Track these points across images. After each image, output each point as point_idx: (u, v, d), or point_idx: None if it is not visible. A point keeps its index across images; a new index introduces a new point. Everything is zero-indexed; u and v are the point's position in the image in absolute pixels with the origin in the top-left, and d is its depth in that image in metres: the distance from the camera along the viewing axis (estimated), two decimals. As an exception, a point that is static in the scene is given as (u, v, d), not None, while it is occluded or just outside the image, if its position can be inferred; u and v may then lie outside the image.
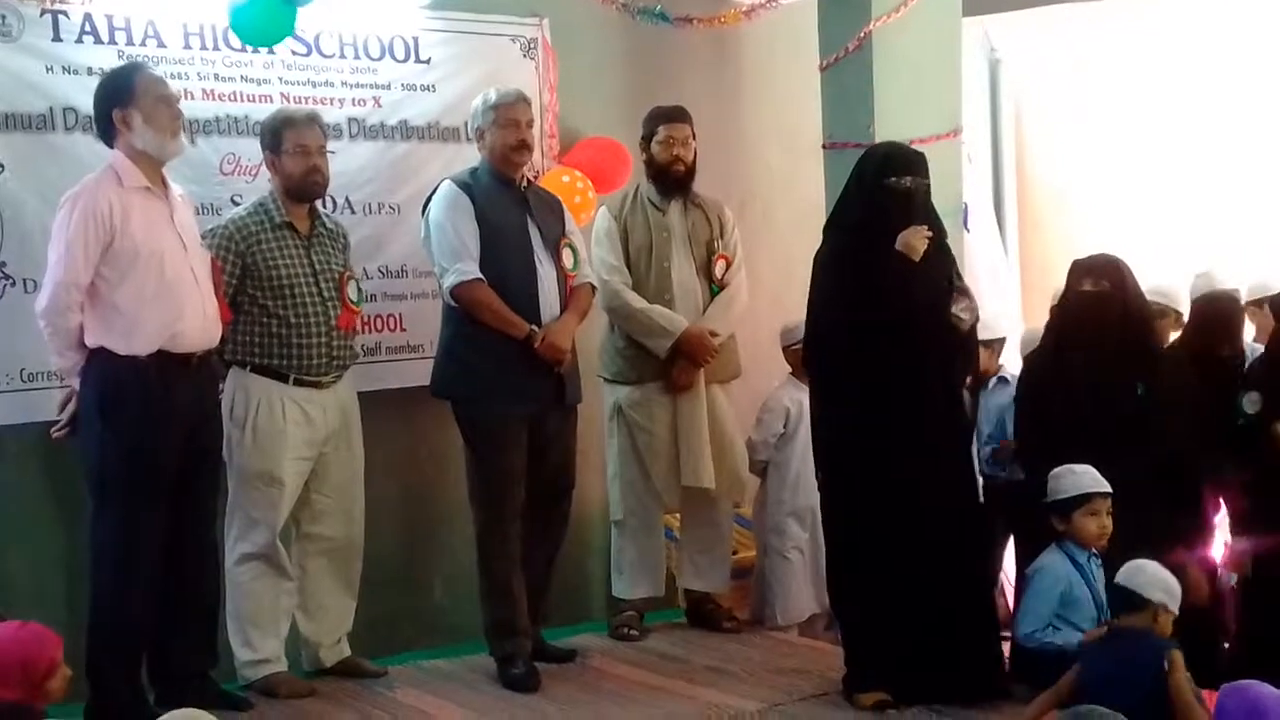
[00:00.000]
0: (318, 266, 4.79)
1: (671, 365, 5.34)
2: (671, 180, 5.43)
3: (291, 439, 4.71)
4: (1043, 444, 4.61)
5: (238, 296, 4.67)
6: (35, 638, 3.53)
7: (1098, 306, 4.64)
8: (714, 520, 5.57)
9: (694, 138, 5.47)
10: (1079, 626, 4.31)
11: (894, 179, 4.44)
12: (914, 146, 4.74)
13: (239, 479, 4.70)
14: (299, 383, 4.73)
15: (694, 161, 5.47)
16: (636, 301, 5.32)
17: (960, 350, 4.48)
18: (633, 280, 5.36)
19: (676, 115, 5.46)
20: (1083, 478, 4.35)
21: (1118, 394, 4.49)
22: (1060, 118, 7.53)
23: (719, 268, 5.47)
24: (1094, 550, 4.40)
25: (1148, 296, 5.29)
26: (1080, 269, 4.72)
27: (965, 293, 4.48)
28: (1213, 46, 6.90)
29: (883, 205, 4.44)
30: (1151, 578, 3.91)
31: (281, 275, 4.70)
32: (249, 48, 5.17)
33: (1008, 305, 7.00)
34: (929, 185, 4.50)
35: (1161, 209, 7.04)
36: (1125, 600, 3.95)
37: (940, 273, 4.47)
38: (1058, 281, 5.15)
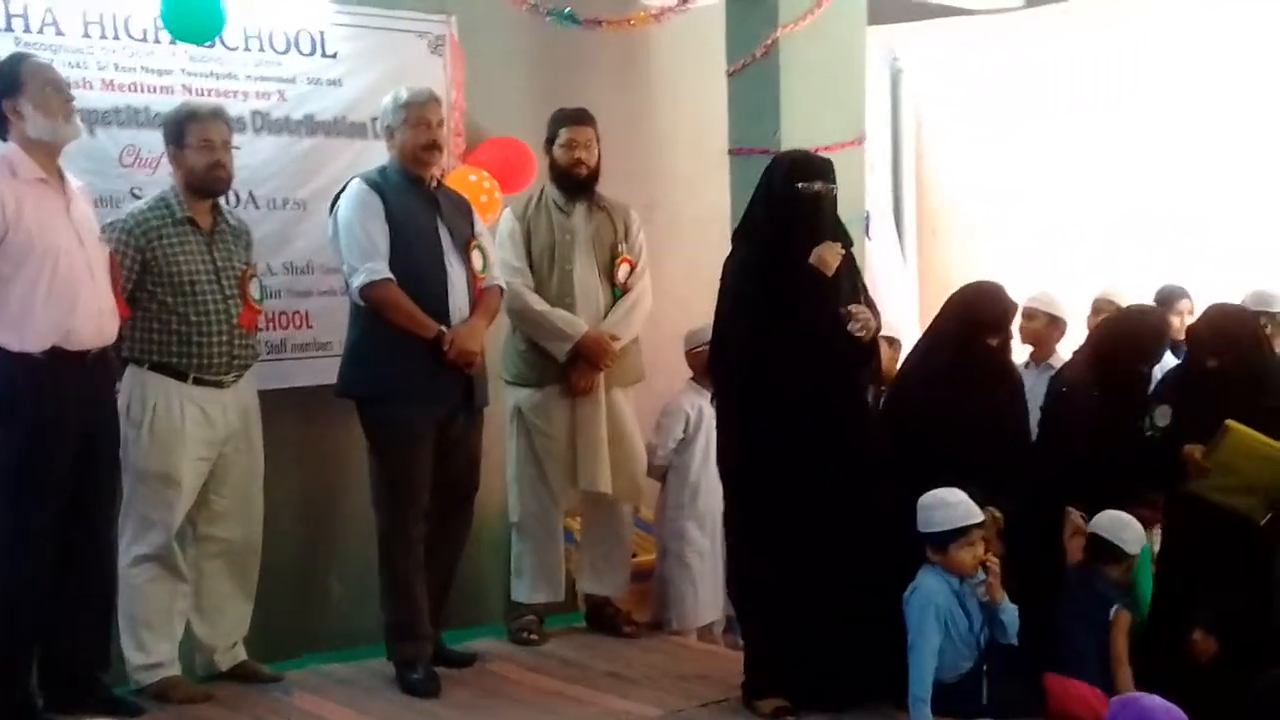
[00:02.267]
0: (219, 263, 4.71)
1: (571, 368, 5.33)
2: (574, 183, 5.41)
3: (190, 439, 4.63)
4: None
5: (136, 292, 4.58)
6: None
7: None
8: (613, 524, 5.57)
9: (597, 140, 5.45)
10: (958, 662, 4.36)
11: (803, 184, 4.46)
12: (819, 153, 4.78)
13: (135, 479, 4.60)
14: (199, 381, 4.64)
15: (598, 164, 5.45)
16: (537, 304, 5.30)
17: (864, 358, 4.51)
18: (535, 282, 5.34)
19: (579, 118, 5.44)
20: (958, 509, 4.29)
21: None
22: (959, 127, 7.65)
23: (622, 271, 5.46)
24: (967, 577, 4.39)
25: (1030, 304, 5.41)
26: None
27: (862, 309, 4.47)
28: (1110, 59, 7.06)
29: (792, 211, 4.46)
30: (1134, 534, 4.57)
31: (182, 272, 4.62)
32: (150, 38, 5.07)
33: (906, 310, 7.09)
34: (836, 191, 4.54)
35: (1056, 219, 7.19)
36: (1109, 552, 4.61)
37: (849, 286, 4.51)
38: (954, 287, 5.19)
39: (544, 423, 5.38)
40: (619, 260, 5.45)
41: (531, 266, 5.35)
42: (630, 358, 5.49)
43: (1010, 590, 4.35)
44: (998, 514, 4.47)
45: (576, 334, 5.27)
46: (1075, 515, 4.77)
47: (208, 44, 5.13)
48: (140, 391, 4.60)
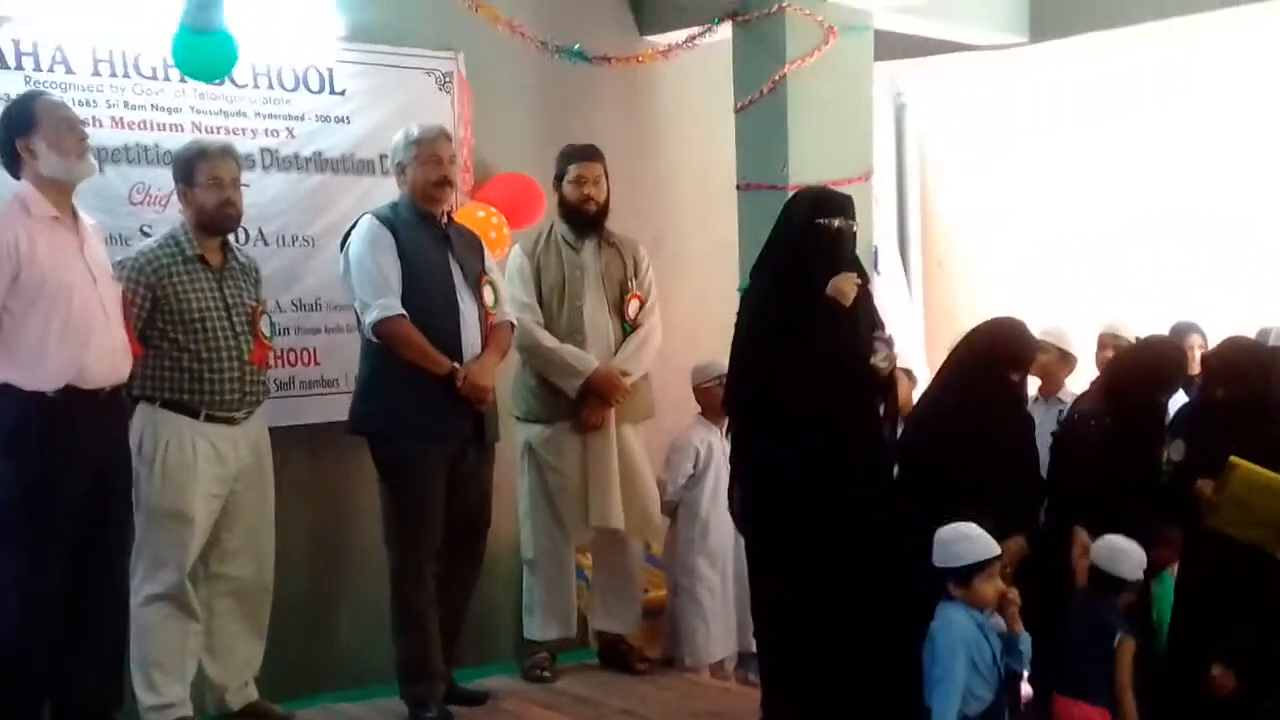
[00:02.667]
0: (230, 300, 4.71)
1: (582, 404, 5.31)
2: (584, 219, 5.41)
3: (202, 476, 4.62)
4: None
5: (147, 330, 4.57)
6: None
7: None
8: (624, 561, 5.55)
9: (606, 176, 5.45)
10: (982, 694, 4.33)
11: (824, 220, 4.46)
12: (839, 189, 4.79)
13: (147, 517, 4.58)
14: (210, 418, 4.63)
15: (607, 200, 5.45)
16: (548, 340, 5.29)
17: (883, 392, 4.51)
18: (545, 319, 5.33)
19: (588, 154, 5.44)
20: (979, 543, 4.24)
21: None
22: (964, 161, 7.65)
23: (632, 307, 5.46)
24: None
25: (1042, 337, 5.40)
26: None
27: (886, 342, 4.51)
28: (1114, 93, 7.07)
29: (812, 246, 4.46)
30: (1132, 562, 4.39)
31: (193, 309, 4.61)
32: (160, 75, 5.09)
33: (913, 344, 7.08)
34: (856, 228, 4.54)
35: (1063, 252, 7.18)
36: (1112, 584, 4.41)
37: (866, 318, 4.51)
38: (961, 322, 5.19)
39: (555, 459, 5.37)
40: (629, 296, 5.45)
41: (541, 303, 5.34)
42: (641, 394, 5.48)
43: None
44: (1023, 544, 4.47)
45: (587, 370, 5.26)
46: (1083, 535, 4.73)
47: (217, 82, 5.14)
48: (152, 429, 4.59)
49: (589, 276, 5.39)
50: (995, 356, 4.66)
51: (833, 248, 4.47)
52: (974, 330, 4.84)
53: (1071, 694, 4.46)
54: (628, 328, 5.44)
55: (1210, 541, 4.49)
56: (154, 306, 4.58)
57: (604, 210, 5.45)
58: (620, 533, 5.41)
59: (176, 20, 4.65)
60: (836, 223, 4.47)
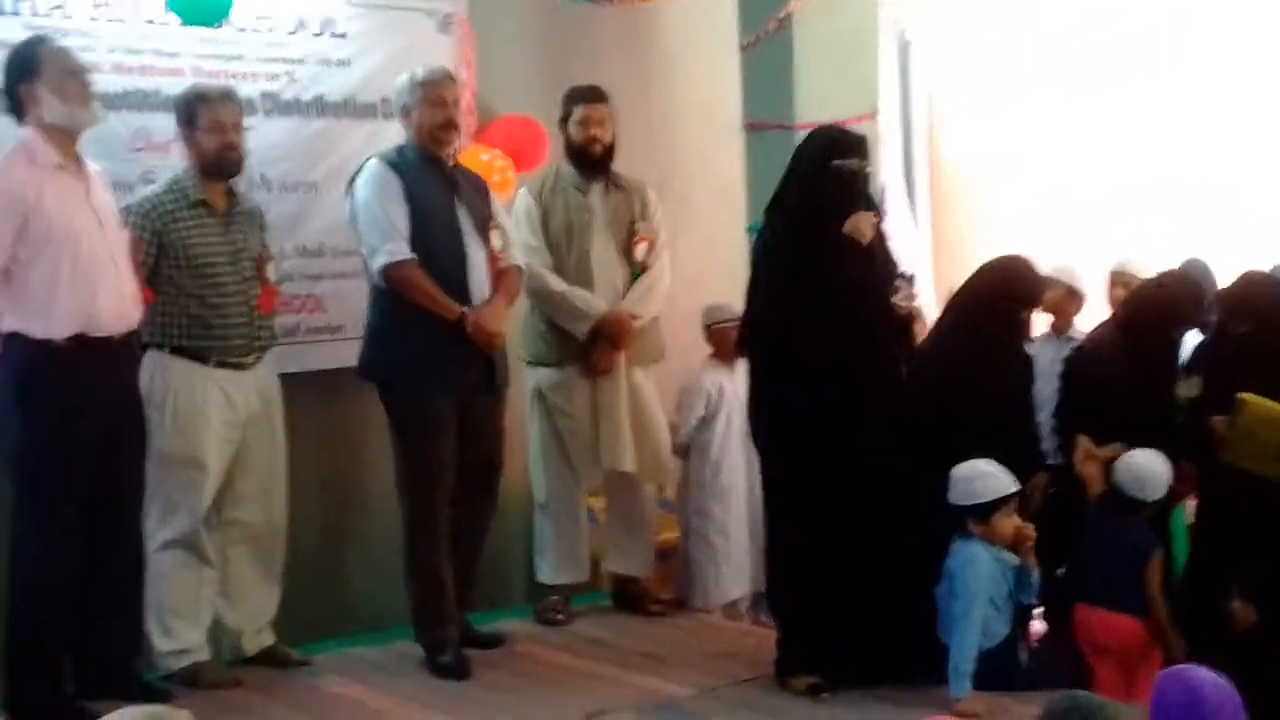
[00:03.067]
0: (236, 246, 4.67)
1: (591, 348, 5.29)
2: (590, 161, 5.37)
3: (213, 421, 4.59)
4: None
5: (154, 277, 4.53)
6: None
7: None
8: (636, 504, 5.54)
9: (612, 117, 5.40)
10: (996, 629, 4.34)
11: (839, 161, 4.43)
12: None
13: (159, 463, 4.55)
14: (220, 364, 4.61)
15: (613, 141, 5.40)
16: (556, 284, 5.26)
17: (900, 332, 4.50)
18: (553, 262, 5.29)
19: (593, 95, 5.39)
20: (998, 479, 4.28)
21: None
22: (969, 99, 7.59)
23: (640, 250, 5.42)
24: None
25: (1051, 274, 5.38)
26: None
27: (907, 280, 4.50)
28: (1124, 30, 7.00)
29: (827, 188, 4.43)
30: (1159, 482, 4.50)
31: (199, 255, 4.57)
32: (158, 20, 5.01)
33: (921, 285, 7.05)
34: (870, 168, 4.51)
35: (1070, 190, 7.14)
36: (1131, 504, 4.51)
37: (883, 257, 4.48)
38: (968, 260, 5.16)
39: (565, 402, 5.34)
40: (637, 239, 5.40)
41: (549, 246, 5.30)
42: (650, 337, 5.45)
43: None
44: (1047, 478, 4.48)
45: (596, 314, 5.24)
46: (1085, 441, 4.74)
47: (216, 25, 5.07)
48: (162, 376, 4.56)
49: (596, 219, 5.35)
50: (1005, 293, 4.64)
51: (849, 189, 4.45)
52: (981, 268, 4.81)
53: (1093, 602, 4.49)
54: (636, 270, 5.40)
55: (1225, 476, 4.49)
56: (160, 252, 4.54)
57: (610, 152, 5.40)
58: (632, 475, 5.40)
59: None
60: (852, 163, 4.45)
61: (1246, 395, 4.37)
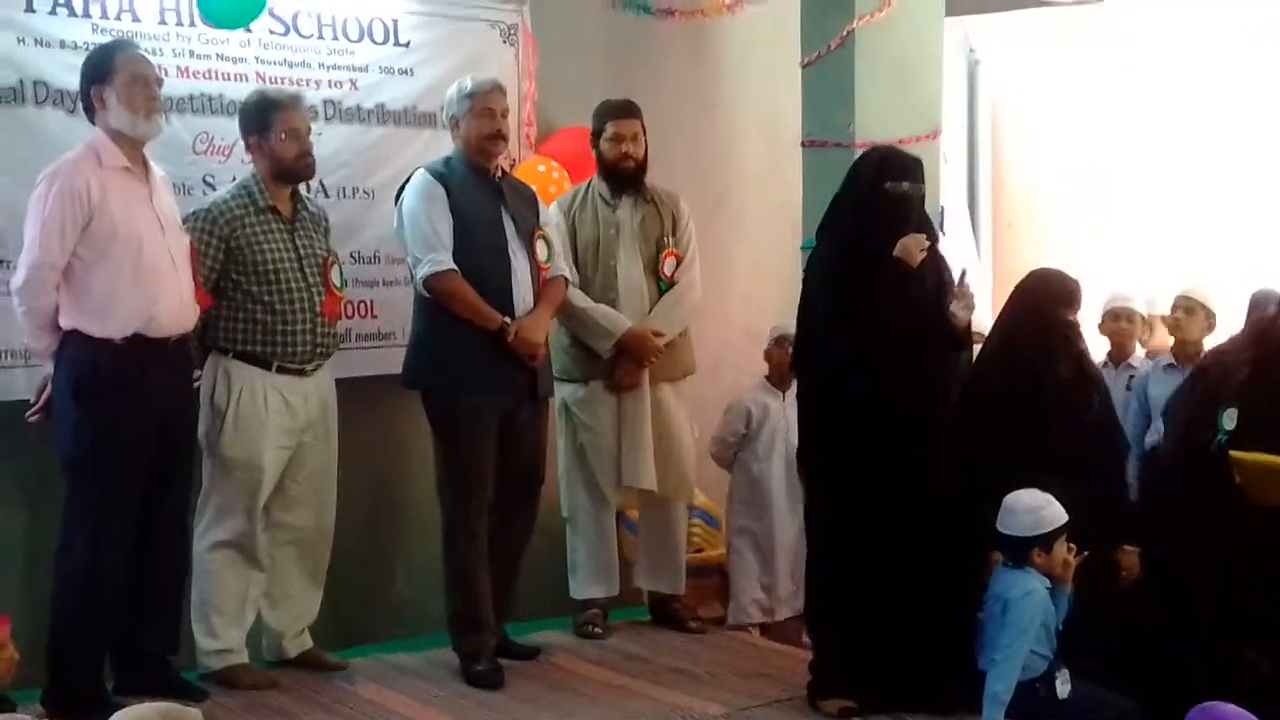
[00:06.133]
0: (302, 251, 4.73)
1: (615, 365, 5.27)
2: (621, 177, 5.33)
3: (272, 427, 4.65)
4: None
5: (221, 281, 4.60)
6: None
7: None
8: (668, 522, 5.51)
9: (644, 132, 5.35)
10: (1035, 661, 4.29)
11: (891, 184, 4.41)
12: (907, 150, 4.71)
13: (217, 466, 4.64)
14: (282, 370, 4.66)
15: (645, 157, 5.35)
16: (580, 300, 5.23)
17: (955, 348, 4.46)
18: (580, 278, 5.27)
19: (625, 110, 5.34)
20: (1055, 508, 4.20)
21: None
22: (1037, 120, 7.53)
23: (668, 265, 5.37)
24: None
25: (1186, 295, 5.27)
26: None
27: (964, 291, 4.43)
28: (1193, 52, 6.91)
29: (879, 211, 4.41)
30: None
31: (266, 260, 4.63)
32: (226, 25, 5.10)
33: (981, 307, 6.98)
34: (924, 190, 4.47)
35: (1136, 213, 7.05)
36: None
37: (935, 279, 4.44)
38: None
39: (590, 418, 5.33)
40: (665, 254, 5.37)
41: (576, 262, 5.28)
42: (678, 352, 5.41)
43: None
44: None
45: (619, 330, 5.21)
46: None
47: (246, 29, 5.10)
48: (225, 379, 4.63)
49: (623, 234, 5.32)
50: (1044, 296, 4.55)
51: (900, 212, 4.41)
52: (1017, 286, 4.75)
53: None
54: (664, 285, 5.37)
55: (1249, 513, 4.37)
56: (227, 258, 4.60)
57: (642, 167, 5.35)
58: (656, 494, 5.37)
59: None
60: (904, 186, 4.41)
61: (1237, 455, 4.25)
